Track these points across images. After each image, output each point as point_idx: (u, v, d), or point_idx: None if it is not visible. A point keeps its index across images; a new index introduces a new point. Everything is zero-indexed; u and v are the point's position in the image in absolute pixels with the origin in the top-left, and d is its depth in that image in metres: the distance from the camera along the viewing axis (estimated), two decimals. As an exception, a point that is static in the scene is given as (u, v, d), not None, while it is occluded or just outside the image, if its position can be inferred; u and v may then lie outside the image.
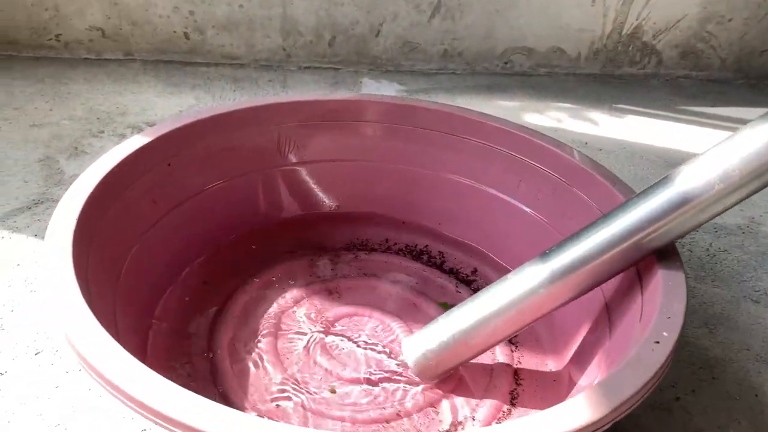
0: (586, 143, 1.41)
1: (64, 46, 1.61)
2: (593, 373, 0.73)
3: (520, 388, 0.81)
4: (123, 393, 0.51)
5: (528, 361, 0.85)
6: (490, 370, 0.83)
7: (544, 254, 0.72)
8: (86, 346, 0.55)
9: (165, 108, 1.43)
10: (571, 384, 0.79)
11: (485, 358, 0.84)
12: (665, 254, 0.71)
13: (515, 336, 0.87)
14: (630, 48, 1.77)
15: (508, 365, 0.84)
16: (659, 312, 0.65)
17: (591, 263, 0.69)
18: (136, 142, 0.85)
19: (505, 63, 1.76)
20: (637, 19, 1.72)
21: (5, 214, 1.04)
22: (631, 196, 0.77)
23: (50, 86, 1.48)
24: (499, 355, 0.85)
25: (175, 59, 1.65)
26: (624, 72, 1.81)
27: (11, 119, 1.33)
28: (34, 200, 1.08)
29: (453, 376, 0.80)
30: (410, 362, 0.78)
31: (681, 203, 0.65)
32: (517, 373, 0.83)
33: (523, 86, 1.71)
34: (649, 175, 1.32)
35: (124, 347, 0.56)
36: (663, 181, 0.67)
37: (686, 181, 0.65)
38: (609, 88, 1.73)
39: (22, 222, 1.03)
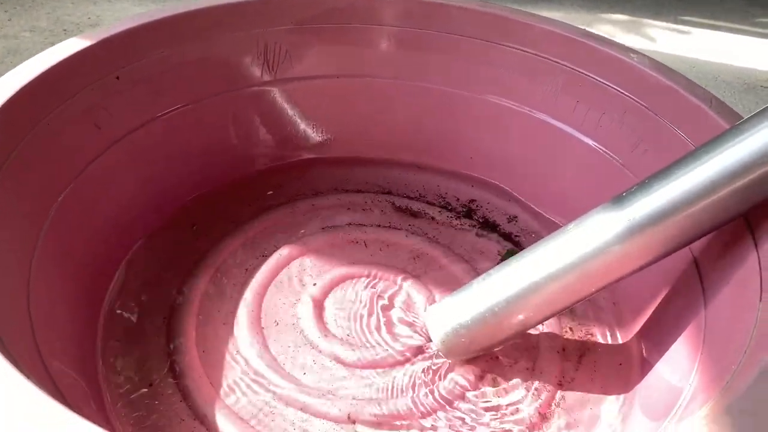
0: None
1: (32, -53, 1.39)
2: (682, 368, 0.52)
3: (573, 371, 0.61)
4: None
5: (582, 331, 0.65)
6: (533, 344, 0.63)
7: (620, 198, 0.54)
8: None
9: (144, 18, 1.21)
10: (645, 367, 0.60)
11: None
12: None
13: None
14: (699, -51, 1.51)
15: (556, 336, 0.64)
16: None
17: (686, 210, 0.50)
18: (73, 45, 0.65)
19: (549, -33, 1.52)
20: None
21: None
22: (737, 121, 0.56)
23: (12, -7, 1.26)
24: (545, 328, 0.65)
25: (161, -38, 1.42)
26: (690, -22, 1.55)
27: (-39, 31, 1.12)
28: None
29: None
30: (436, 338, 0.60)
31: None
32: (565, 349, 0.64)
33: (571, -6, 1.48)
34: (727, 100, 1.08)
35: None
36: None
37: None
38: (672, -3, 1.49)
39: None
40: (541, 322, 0.60)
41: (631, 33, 1.32)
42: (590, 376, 0.61)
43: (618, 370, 0.62)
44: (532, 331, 0.64)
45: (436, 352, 0.61)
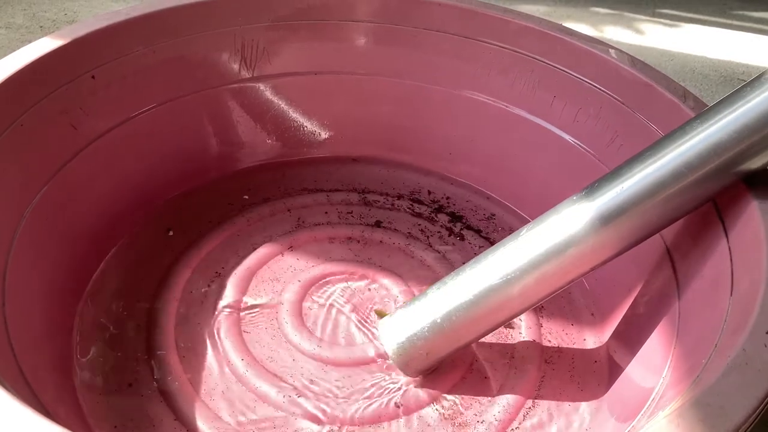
0: (626, 55, 1.19)
1: (6, -58, 1.36)
2: (654, 364, 0.53)
3: (548, 375, 0.62)
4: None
5: (557, 332, 0.66)
6: (510, 347, 0.64)
7: (587, 190, 0.53)
8: None
9: (122, 14, 1.20)
10: (621, 364, 0.60)
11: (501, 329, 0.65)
12: (761, 193, 0.52)
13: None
14: (677, -58, 1.52)
15: (533, 341, 0.64)
16: (766, 283, 0.45)
17: (651, 200, 0.50)
18: (47, 44, 0.64)
19: (529, -40, 1.51)
20: None
21: None
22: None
23: (-13, -11, 1.24)
24: (523, 325, 0.66)
25: (138, -43, 1.40)
26: (668, -29, 1.56)
27: (-66, 28, 1.11)
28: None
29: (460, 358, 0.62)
30: (391, 351, 0.58)
31: None
32: (541, 350, 0.64)
33: (550, -12, 1.47)
34: (704, 92, 1.10)
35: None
36: (758, 81, 0.48)
37: None
38: (651, -10, 1.49)
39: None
40: (503, 324, 0.58)
41: (610, 26, 1.32)
42: (566, 374, 0.62)
43: (594, 368, 0.62)
44: (509, 332, 0.65)
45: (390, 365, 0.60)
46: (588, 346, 0.65)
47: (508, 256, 0.54)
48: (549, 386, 0.60)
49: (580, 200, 0.53)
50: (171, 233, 0.71)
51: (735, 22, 1.38)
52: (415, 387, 0.59)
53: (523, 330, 0.65)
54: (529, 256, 0.53)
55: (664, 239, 0.61)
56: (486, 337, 0.62)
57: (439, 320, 0.55)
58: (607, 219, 0.51)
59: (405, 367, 0.58)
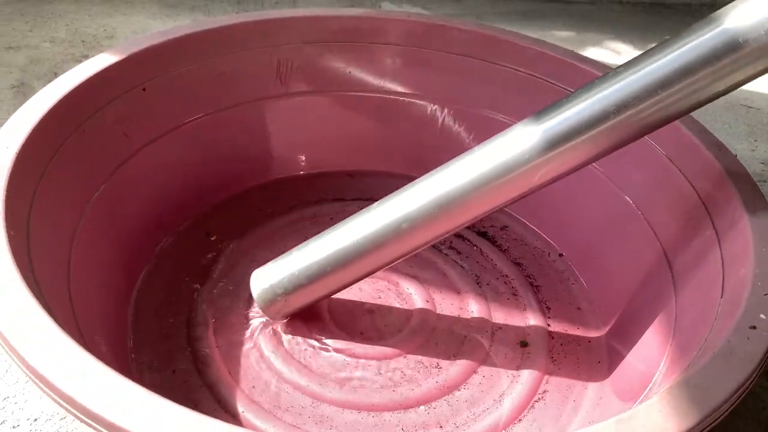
0: (635, 80, 1.24)
1: (50, -39, 1.44)
2: (653, 358, 0.58)
3: (556, 369, 0.67)
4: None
5: (563, 330, 0.71)
6: (521, 347, 0.69)
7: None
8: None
9: (158, 31, 1.27)
10: (622, 360, 0.66)
11: (516, 320, 0.71)
12: (750, 204, 0.58)
13: (546, 302, 0.74)
14: (685, -27, 1.60)
15: (539, 333, 0.70)
16: (752, 285, 0.51)
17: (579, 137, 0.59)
18: (103, 60, 0.71)
19: (543, -12, 1.58)
20: (695, -61, 1.54)
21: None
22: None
23: (32, 5, 1.32)
24: (531, 320, 0.71)
25: (173, -23, 1.48)
26: (676, 1, 1.63)
27: (-15, 41, 1.18)
28: (1, 131, 0.94)
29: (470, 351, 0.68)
30: (255, 295, 0.67)
31: (732, 48, 0.50)
32: (550, 350, 0.69)
33: (562, 15, 1.54)
34: (707, 117, 1.15)
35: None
36: (705, 22, 0.52)
37: (739, 18, 0.50)
38: (659, 18, 1.56)
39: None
40: (361, 279, 0.66)
41: (617, 52, 1.38)
42: (572, 370, 0.67)
43: (597, 366, 0.67)
44: (522, 325, 0.71)
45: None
46: (592, 346, 0.70)
47: (359, 225, 0.62)
48: (554, 384, 0.66)
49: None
50: (212, 237, 0.77)
51: (740, 51, 1.43)
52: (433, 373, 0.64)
53: (531, 332, 0.71)
54: (375, 226, 0.61)
55: (663, 246, 0.67)
56: (495, 341, 0.68)
57: (296, 273, 0.64)
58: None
59: (266, 309, 0.67)
